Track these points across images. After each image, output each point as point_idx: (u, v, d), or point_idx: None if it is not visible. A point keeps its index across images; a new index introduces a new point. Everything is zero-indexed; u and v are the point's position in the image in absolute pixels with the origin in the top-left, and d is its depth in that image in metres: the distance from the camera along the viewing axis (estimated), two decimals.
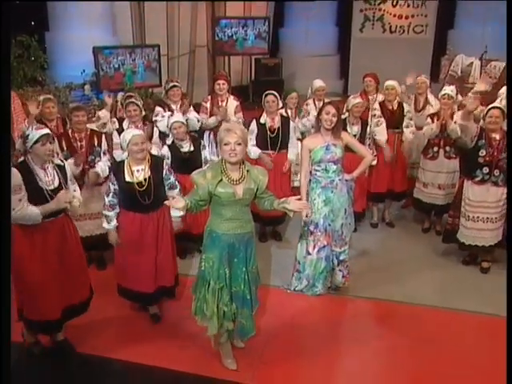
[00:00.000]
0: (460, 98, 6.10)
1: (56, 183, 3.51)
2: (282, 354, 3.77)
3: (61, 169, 3.62)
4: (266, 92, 5.47)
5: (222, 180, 3.22)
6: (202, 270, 3.44)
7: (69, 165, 4.09)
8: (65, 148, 4.68)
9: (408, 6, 12.31)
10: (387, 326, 4.15)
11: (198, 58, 11.52)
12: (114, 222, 3.97)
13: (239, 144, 3.19)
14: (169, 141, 5.01)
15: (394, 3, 12.36)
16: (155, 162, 3.98)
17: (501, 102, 5.39)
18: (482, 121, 4.80)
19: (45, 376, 3.66)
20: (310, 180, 4.42)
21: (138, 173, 3.87)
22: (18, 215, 3.32)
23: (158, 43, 9.61)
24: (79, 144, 4.78)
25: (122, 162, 3.98)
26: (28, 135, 3.42)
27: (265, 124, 5.29)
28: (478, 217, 4.79)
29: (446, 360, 3.70)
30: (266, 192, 3.41)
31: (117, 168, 3.98)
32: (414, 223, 6.13)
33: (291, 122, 5.52)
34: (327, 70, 12.39)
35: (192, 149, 4.89)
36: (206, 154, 4.97)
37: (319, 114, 4.33)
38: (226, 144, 3.19)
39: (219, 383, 3.49)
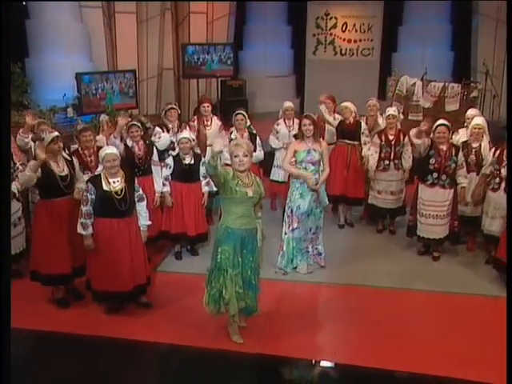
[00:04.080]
0: (402, 116, 6.99)
1: (66, 171, 4.66)
2: (277, 330, 4.55)
3: (69, 161, 4.78)
4: (236, 112, 6.26)
5: (238, 182, 3.98)
6: (218, 262, 4.09)
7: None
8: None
9: (356, 31, 13.39)
10: (357, 305, 4.95)
11: (165, 81, 12.16)
12: (91, 229, 4.43)
13: (246, 156, 3.96)
14: (174, 153, 5.69)
15: (344, 29, 13.44)
16: (129, 176, 4.58)
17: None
18: (432, 135, 5.70)
19: (49, 363, 4.18)
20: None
21: (115, 184, 4.42)
22: (22, 178, 4.54)
23: (134, 68, 10.26)
24: (89, 159, 5.41)
25: (99, 174, 4.51)
26: (43, 138, 4.66)
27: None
28: (429, 214, 5.71)
29: (408, 329, 4.58)
30: (261, 199, 4.22)
31: (94, 180, 4.47)
32: (372, 225, 6.95)
33: (257, 138, 6.42)
34: (285, 89, 13.28)
35: (192, 162, 5.59)
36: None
37: (300, 126, 5.41)
38: (235, 156, 3.96)
39: (230, 353, 4.23)
